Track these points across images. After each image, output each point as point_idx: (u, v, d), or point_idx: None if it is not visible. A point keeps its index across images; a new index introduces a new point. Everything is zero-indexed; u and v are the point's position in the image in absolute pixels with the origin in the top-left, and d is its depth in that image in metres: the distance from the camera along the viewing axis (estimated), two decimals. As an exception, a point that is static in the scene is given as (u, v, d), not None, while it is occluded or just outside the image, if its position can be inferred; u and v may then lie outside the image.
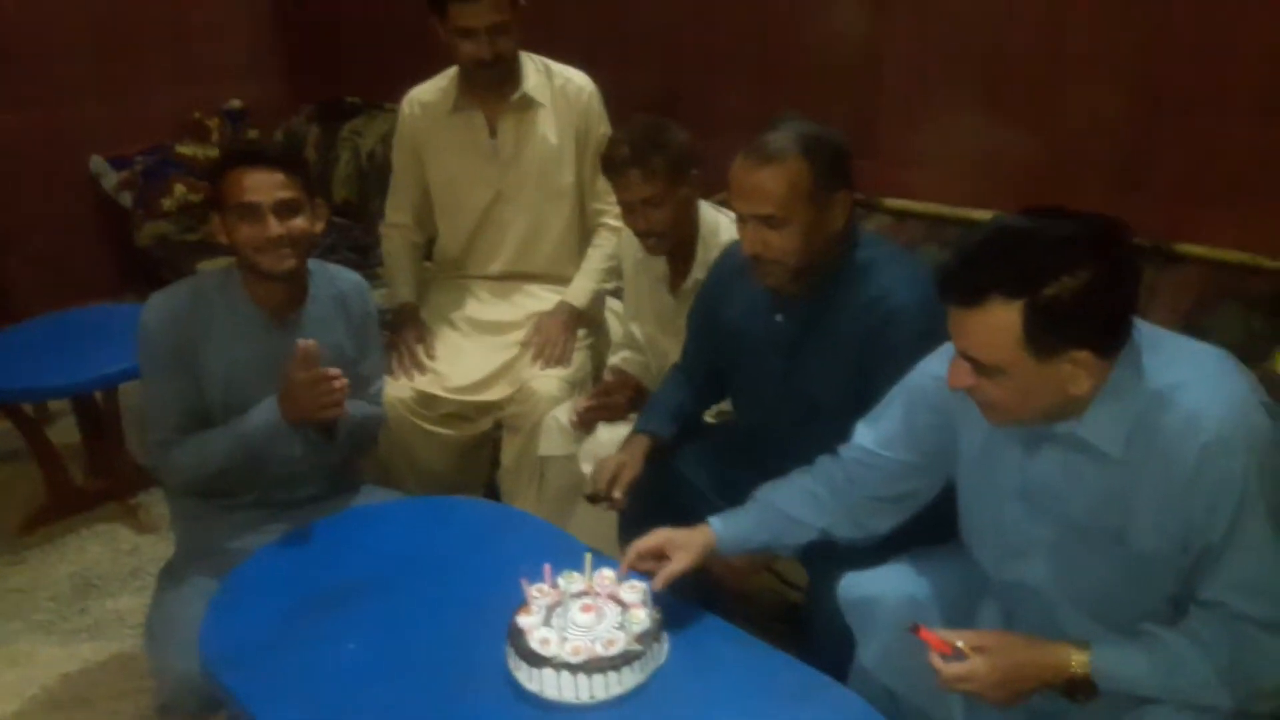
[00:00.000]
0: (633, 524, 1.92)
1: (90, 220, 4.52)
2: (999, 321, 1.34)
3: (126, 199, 4.36)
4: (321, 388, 1.91)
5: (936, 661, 1.44)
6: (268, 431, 1.96)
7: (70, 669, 2.55)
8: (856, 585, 1.66)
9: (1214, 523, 1.33)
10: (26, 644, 2.64)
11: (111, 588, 2.85)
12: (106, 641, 2.63)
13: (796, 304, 1.92)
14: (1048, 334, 1.33)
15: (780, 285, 1.89)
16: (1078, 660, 1.40)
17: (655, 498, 2.01)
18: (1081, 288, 1.31)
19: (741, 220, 1.86)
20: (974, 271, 1.37)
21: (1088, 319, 1.33)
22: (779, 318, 1.96)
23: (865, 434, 1.71)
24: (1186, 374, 1.38)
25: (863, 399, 1.76)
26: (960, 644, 1.44)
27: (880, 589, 1.63)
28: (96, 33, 4.41)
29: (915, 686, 1.61)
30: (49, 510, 3.18)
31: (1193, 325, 2.02)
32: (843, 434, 1.75)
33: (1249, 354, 1.67)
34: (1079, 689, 1.40)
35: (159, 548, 2.90)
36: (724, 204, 2.35)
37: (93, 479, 3.29)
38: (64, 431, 3.36)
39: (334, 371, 1.92)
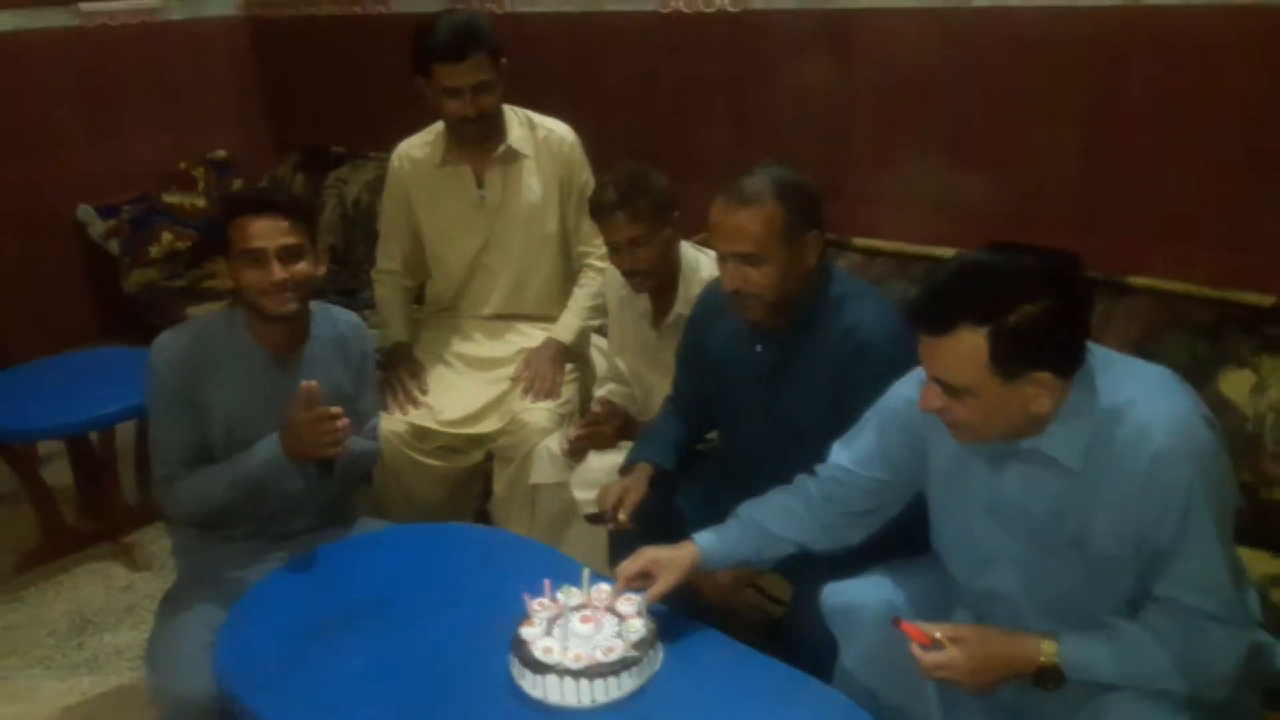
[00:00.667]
0: (623, 546, 1.97)
1: (78, 268, 4.55)
2: (967, 347, 1.44)
3: (114, 247, 4.40)
4: (323, 426, 1.97)
5: (916, 651, 1.52)
6: (270, 467, 2.02)
7: (71, 702, 2.57)
8: (838, 593, 1.73)
9: (1164, 525, 1.43)
10: (25, 680, 2.67)
11: (108, 623, 2.87)
12: (105, 675, 2.66)
13: (775, 336, 2.02)
14: (1012, 357, 1.43)
15: (759, 318, 1.98)
16: (1047, 650, 1.48)
17: (647, 522, 2.08)
18: (1041, 314, 1.41)
19: (722, 258, 1.96)
20: (943, 303, 1.47)
21: (1047, 343, 1.43)
22: (759, 349, 2.05)
23: (841, 454, 1.79)
24: (1136, 392, 1.48)
25: (839, 423, 1.84)
26: (939, 635, 1.52)
27: (861, 596, 1.70)
28: (82, 83, 4.47)
29: (895, 686, 1.68)
30: (43, 551, 3.19)
31: (1142, 351, 2.13)
32: (821, 456, 1.83)
33: (1193, 376, 1.77)
34: (1047, 677, 1.47)
35: (154, 584, 2.95)
36: (704, 244, 2.45)
37: (86, 519, 3.30)
38: (56, 473, 3.37)
39: (336, 410, 1.98)
